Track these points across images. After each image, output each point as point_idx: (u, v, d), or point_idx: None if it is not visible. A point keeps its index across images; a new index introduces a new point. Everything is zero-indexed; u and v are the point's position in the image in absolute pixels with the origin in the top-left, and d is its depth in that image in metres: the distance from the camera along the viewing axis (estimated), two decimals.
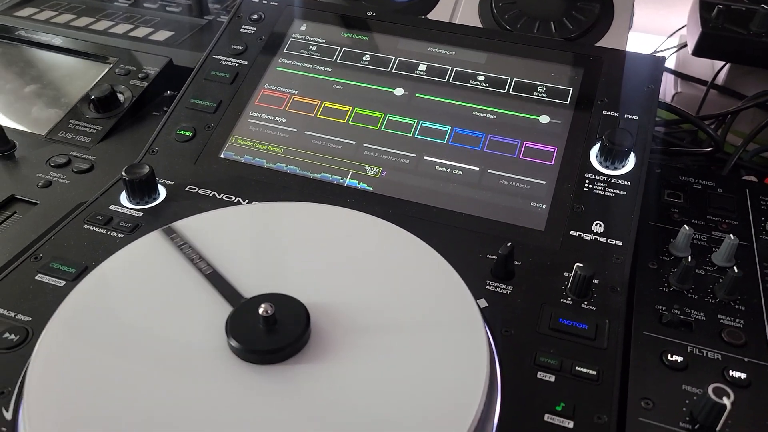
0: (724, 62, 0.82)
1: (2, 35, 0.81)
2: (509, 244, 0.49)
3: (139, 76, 0.73)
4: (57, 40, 0.78)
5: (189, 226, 0.50)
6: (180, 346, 0.41)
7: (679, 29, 0.98)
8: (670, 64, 0.93)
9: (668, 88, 0.89)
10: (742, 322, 0.47)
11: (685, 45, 0.91)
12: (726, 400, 0.38)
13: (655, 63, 0.62)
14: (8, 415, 0.39)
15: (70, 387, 0.39)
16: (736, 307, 0.48)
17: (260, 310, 0.40)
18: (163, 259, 0.47)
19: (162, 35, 0.81)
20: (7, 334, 0.44)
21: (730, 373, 0.43)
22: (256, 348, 0.40)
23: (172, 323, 0.43)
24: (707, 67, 0.88)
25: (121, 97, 0.70)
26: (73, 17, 0.85)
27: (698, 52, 0.72)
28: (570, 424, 0.40)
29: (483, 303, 0.47)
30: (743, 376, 0.43)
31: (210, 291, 0.45)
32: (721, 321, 0.47)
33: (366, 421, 0.37)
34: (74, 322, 0.43)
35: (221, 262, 0.47)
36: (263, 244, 0.50)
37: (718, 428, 0.40)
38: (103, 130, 0.67)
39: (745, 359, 0.44)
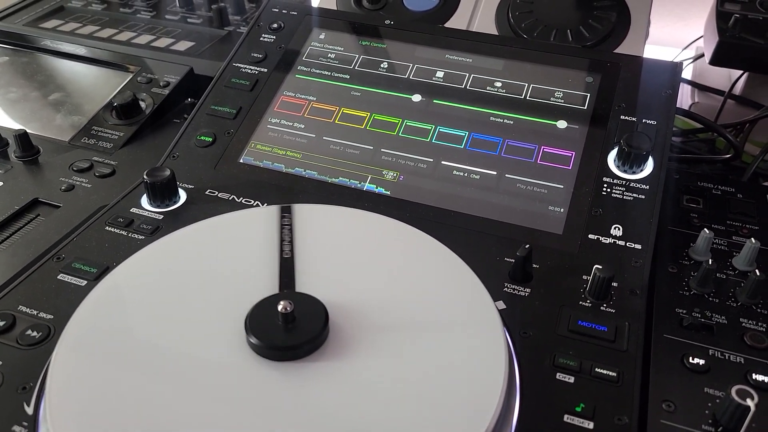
0: (741, 72, 0.82)
1: (28, 45, 0.83)
2: (527, 246, 0.49)
3: (161, 84, 0.74)
4: (81, 50, 0.80)
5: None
6: (200, 343, 0.42)
7: (695, 41, 0.98)
8: (686, 74, 0.93)
9: (685, 98, 0.88)
10: (764, 325, 0.47)
11: (702, 55, 0.91)
12: (750, 402, 0.38)
13: (673, 69, 0.62)
14: (29, 410, 0.40)
15: (91, 382, 0.39)
16: (758, 310, 0.48)
17: (279, 308, 0.41)
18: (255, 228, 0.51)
19: (183, 45, 0.82)
20: (29, 331, 0.44)
21: (753, 376, 0.43)
22: (276, 344, 0.40)
23: (192, 319, 0.43)
24: (724, 78, 0.87)
25: (142, 104, 0.72)
26: (96, 29, 0.86)
27: (715, 61, 0.72)
28: (590, 425, 0.39)
29: (501, 305, 0.47)
30: (767, 379, 0.42)
31: (236, 286, 0.45)
32: (743, 324, 0.47)
33: (383, 419, 0.37)
34: (95, 318, 0.43)
35: (239, 262, 0.48)
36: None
37: (741, 431, 0.39)
38: (125, 136, 0.68)
39: None
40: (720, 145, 0.79)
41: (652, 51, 0.78)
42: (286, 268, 0.47)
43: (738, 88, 0.83)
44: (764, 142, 0.73)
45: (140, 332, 0.42)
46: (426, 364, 0.41)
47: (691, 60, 0.94)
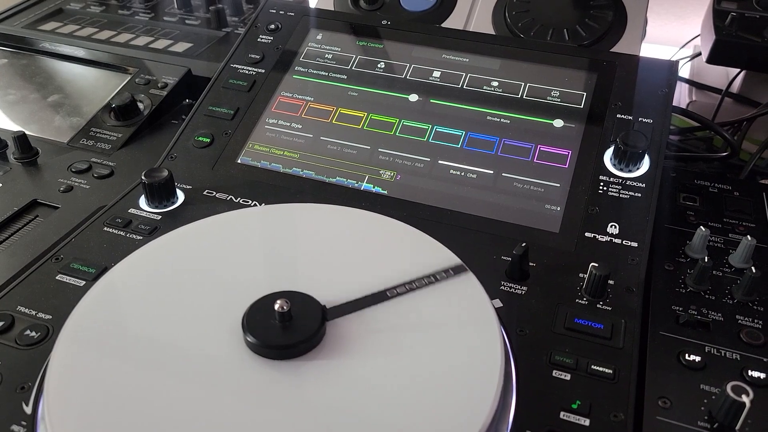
0: (738, 70, 0.82)
1: (27, 48, 0.83)
2: (523, 244, 0.49)
3: (159, 85, 0.74)
4: (79, 52, 0.81)
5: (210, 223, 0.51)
6: (196, 343, 0.42)
7: (692, 39, 0.98)
8: (684, 73, 0.93)
9: (683, 97, 0.89)
10: (760, 322, 0.47)
11: (699, 54, 0.91)
12: (745, 398, 0.38)
13: (669, 67, 0.62)
14: (28, 410, 0.40)
15: (90, 382, 0.39)
16: (755, 307, 0.48)
17: (276, 306, 0.41)
18: None
19: (181, 47, 0.82)
20: (28, 332, 0.45)
21: (749, 372, 0.43)
22: (272, 343, 0.40)
23: (189, 320, 0.43)
24: (721, 76, 0.88)
25: (140, 105, 0.72)
26: (95, 30, 0.87)
27: (712, 59, 0.72)
28: (586, 422, 0.39)
29: (498, 303, 0.47)
30: (762, 375, 0.43)
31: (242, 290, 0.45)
32: (739, 321, 0.47)
33: (380, 417, 0.38)
34: (93, 318, 0.43)
35: (237, 261, 0.48)
36: (279, 244, 0.51)
37: (737, 427, 0.39)
38: (123, 137, 0.69)
39: (765, 359, 0.44)
40: (717, 143, 0.79)
41: (649, 50, 0.78)
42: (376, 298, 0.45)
43: (735, 87, 0.83)
44: (761, 140, 0.73)
45: (139, 331, 0.43)
46: (423, 361, 0.41)
47: (689, 59, 0.95)
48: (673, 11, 1.11)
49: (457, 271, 0.46)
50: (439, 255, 0.49)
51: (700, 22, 0.79)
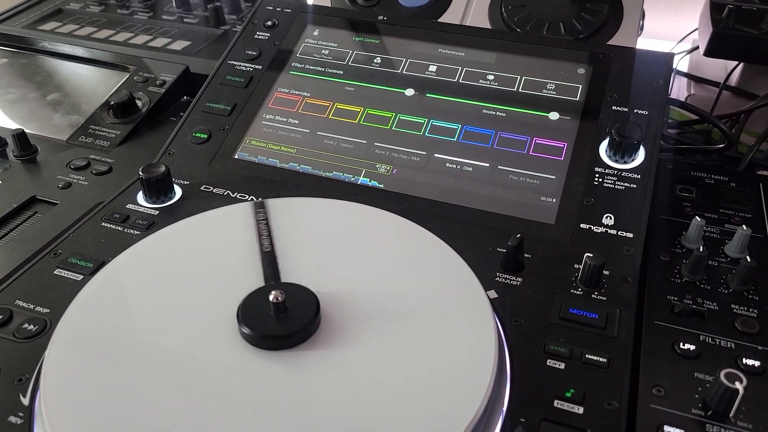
0: (736, 63, 0.82)
1: (27, 47, 0.84)
2: (518, 235, 0.49)
3: (157, 83, 0.75)
4: (78, 51, 0.81)
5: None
6: (192, 334, 0.42)
7: (690, 33, 0.98)
8: (683, 67, 0.93)
9: (681, 90, 0.89)
10: (755, 311, 0.47)
11: (697, 47, 0.91)
12: (738, 385, 0.38)
13: (665, 59, 0.62)
14: (25, 401, 0.40)
15: (85, 374, 0.39)
16: (750, 297, 0.48)
17: (270, 297, 0.41)
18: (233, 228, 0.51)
19: (179, 45, 0.83)
20: (26, 325, 0.45)
21: (744, 360, 0.43)
22: (267, 334, 0.41)
23: (184, 310, 0.44)
24: (720, 70, 0.87)
25: (139, 103, 0.72)
26: (94, 30, 0.87)
27: (710, 52, 0.72)
28: (580, 410, 0.39)
29: (492, 294, 0.47)
30: (757, 363, 0.43)
31: (224, 281, 0.46)
32: (734, 311, 0.47)
33: (375, 406, 0.38)
34: (90, 311, 0.44)
35: (232, 254, 0.48)
36: (273, 237, 0.51)
37: (731, 414, 0.39)
38: (122, 134, 0.69)
39: (759, 347, 0.44)
40: (716, 136, 0.79)
41: (648, 44, 0.78)
42: (270, 261, 0.47)
43: (733, 80, 0.83)
44: (760, 132, 0.73)
45: (133, 324, 0.43)
46: (417, 352, 0.41)
47: (687, 52, 0.94)
48: (671, 6, 1.11)
49: (260, 206, 0.50)
50: (434, 246, 0.49)
51: (698, 16, 0.79)
